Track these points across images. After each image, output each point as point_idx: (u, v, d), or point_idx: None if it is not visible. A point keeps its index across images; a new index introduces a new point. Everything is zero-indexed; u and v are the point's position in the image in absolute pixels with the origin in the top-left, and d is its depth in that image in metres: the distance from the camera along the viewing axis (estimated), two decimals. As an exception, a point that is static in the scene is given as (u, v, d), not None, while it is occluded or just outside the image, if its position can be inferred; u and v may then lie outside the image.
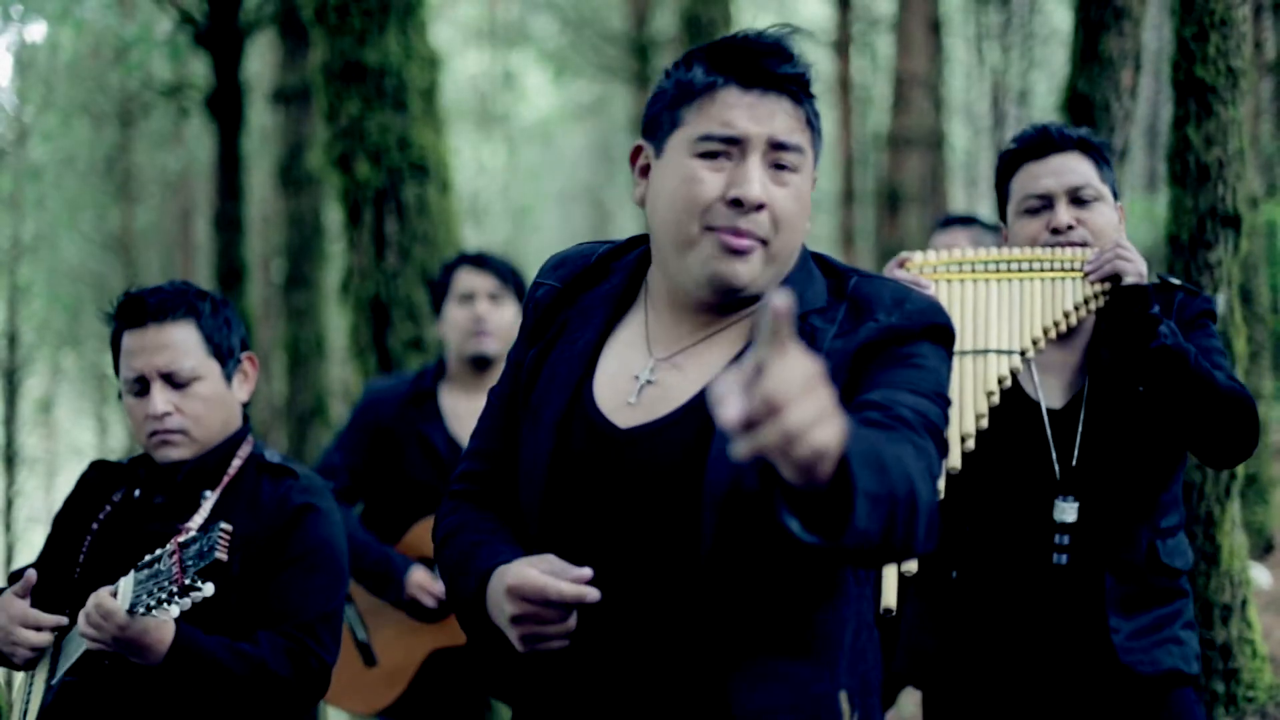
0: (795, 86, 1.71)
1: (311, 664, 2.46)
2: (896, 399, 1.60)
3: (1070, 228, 2.62)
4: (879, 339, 1.67)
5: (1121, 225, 2.68)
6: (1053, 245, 2.62)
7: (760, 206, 1.68)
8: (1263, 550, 6.24)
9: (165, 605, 2.21)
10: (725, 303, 1.74)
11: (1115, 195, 2.73)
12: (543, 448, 1.73)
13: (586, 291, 1.83)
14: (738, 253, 1.68)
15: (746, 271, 1.69)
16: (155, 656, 2.31)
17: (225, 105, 9.68)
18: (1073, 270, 2.55)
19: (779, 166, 1.70)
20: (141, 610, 2.23)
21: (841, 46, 15.33)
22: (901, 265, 2.63)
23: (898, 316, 1.68)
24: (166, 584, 2.21)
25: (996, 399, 2.49)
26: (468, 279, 3.92)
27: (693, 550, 1.64)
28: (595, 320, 1.79)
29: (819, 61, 17.89)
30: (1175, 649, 2.60)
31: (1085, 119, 4.34)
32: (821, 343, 1.68)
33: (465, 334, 3.87)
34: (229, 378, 2.60)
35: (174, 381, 2.51)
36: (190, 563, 2.19)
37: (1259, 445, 2.62)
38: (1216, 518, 3.59)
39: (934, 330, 1.70)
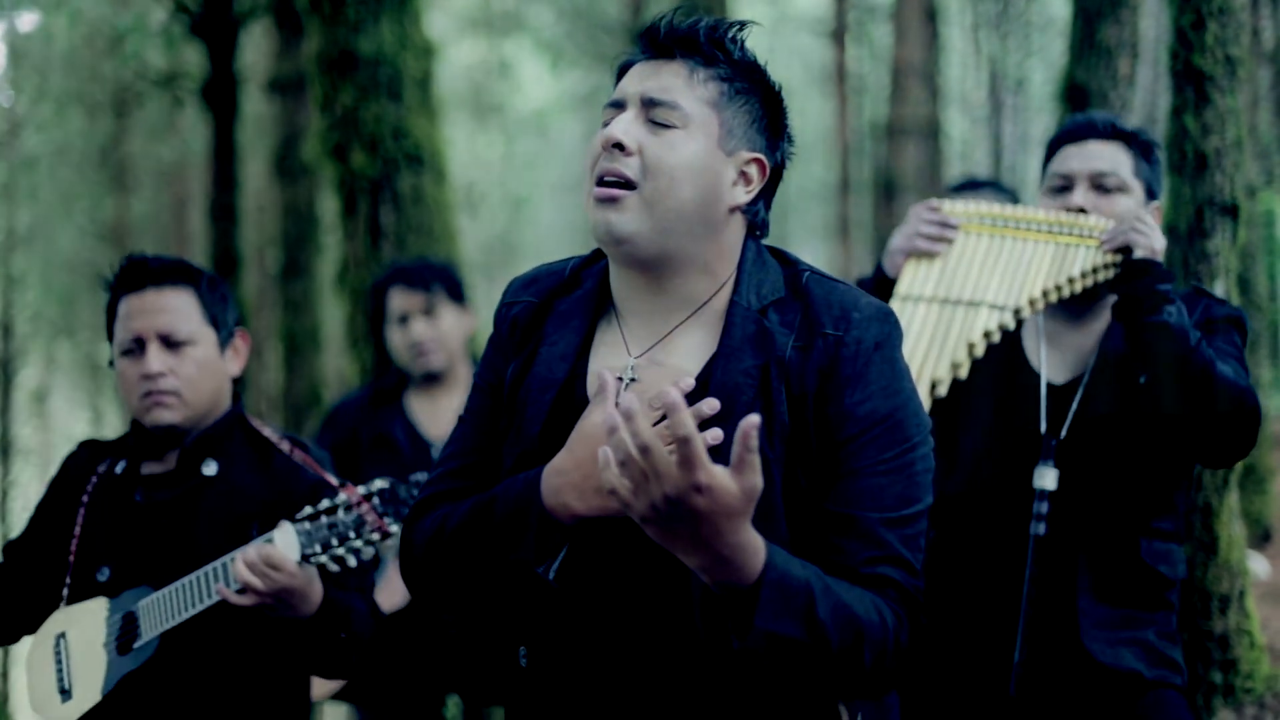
0: (686, 49, 1.72)
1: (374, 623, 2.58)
2: (872, 530, 1.61)
3: (1084, 211, 2.62)
4: (832, 366, 1.65)
5: (1155, 225, 2.60)
6: None
7: (619, 145, 1.68)
8: (1260, 540, 6.25)
9: (354, 550, 2.33)
10: (627, 257, 1.72)
11: (1153, 195, 2.72)
12: (530, 445, 1.71)
13: (561, 299, 1.83)
14: (608, 201, 1.68)
15: (619, 220, 1.68)
16: (311, 606, 2.38)
17: (220, 95, 9.65)
18: (1089, 238, 2.55)
19: (655, 123, 1.70)
20: (314, 558, 2.34)
21: (838, 35, 15.33)
22: (932, 210, 2.68)
23: (844, 329, 1.67)
24: (365, 530, 2.32)
25: (979, 351, 2.50)
26: (399, 301, 3.96)
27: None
28: (575, 323, 1.79)
29: (814, 50, 17.89)
30: (1141, 653, 2.52)
31: (1082, 108, 4.33)
32: (782, 350, 1.67)
33: (410, 356, 3.94)
34: (222, 348, 2.63)
35: (170, 343, 2.53)
36: (384, 509, 2.33)
37: (1258, 435, 2.61)
38: (1215, 508, 3.59)
39: (884, 340, 1.69)
